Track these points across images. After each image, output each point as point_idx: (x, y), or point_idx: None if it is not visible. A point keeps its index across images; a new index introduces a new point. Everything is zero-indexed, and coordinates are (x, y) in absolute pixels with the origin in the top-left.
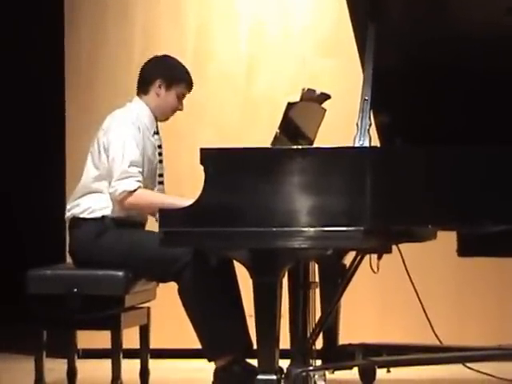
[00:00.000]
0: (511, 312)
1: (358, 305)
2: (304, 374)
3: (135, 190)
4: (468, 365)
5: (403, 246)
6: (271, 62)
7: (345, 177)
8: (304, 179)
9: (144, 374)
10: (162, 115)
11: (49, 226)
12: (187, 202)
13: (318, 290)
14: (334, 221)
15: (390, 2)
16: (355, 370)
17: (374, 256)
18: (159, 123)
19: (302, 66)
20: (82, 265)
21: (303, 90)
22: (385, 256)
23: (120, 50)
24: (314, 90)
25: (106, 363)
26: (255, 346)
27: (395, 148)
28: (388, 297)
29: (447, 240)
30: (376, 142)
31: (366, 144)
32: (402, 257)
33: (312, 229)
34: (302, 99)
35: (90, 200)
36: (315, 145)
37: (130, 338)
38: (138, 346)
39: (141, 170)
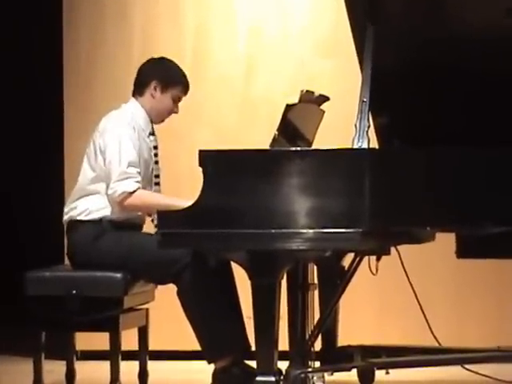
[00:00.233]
0: (510, 313)
1: (356, 306)
2: (303, 375)
3: (134, 191)
4: (467, 366)
5: (402, 248)
6: (269, 63)
7: (343, 178)
8: (303, 181)
9: (143, 375)
10: (156, 117)
11: (47, 226)
12: (187, 202)
13: (316, 292)
14: (333, 222)
15: (388, 3)
16: (354, 371)
17: (373, 258)
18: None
19: (300, 67)
20: (80, 267)
21: (302, 91)
22: (383, 258)
23: (118, 50)
24: (313, 92)
25: (105, 365)
26: (254, 348)
27: (394, 149)
28: (387, 298)
29: (446, 242)
30: (375, 144)
31: (365, 145)
32: (400, 258)
33: (311, 230)
34: (300, 101)
35: (87, 202)
36: (314, 146)
37: (129, 340)
38: (136, 348)
39: (139, 170)
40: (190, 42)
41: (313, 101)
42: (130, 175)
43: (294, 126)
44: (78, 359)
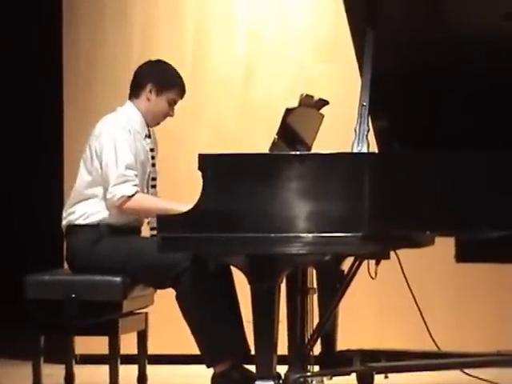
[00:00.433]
0: (509, 317)
1: (356, 310)
2: (302, 379)
3: (133, 195)
4: (466, 371)
5: (401, 252)
6: (269, 67)
7: (343, 182)
8: (302, 185)
9: (142, 379)
10: (152, 120)
11: (47, 227)
12: (186, 206)
13: (316, 296)
14: (332, 226)
15: (387, 7)
16: (353, 375)
17: (372, 262)
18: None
19: (299, 71)
20: (79, 272)
21: (301, 95)
22: (383, 262)
23: (118, 50)
24: (312, 96)
25: (104, 369)
26: (253, 352)
27: (393, 153)
28: (386, 302)
29: (445, 246)
30: (374, 148)
31: (364, 149)
32: (399, 262)
33: (310, 234)
34: (300, 105)
35: (85, 206)
36: (313, 150)
37: (128, 344)
38: (135, 352)
39: (136, 173)
40: (190, 45)
41: (312, 105)
42: (127, 178)
43: (293, 129)
44: (77, 363)
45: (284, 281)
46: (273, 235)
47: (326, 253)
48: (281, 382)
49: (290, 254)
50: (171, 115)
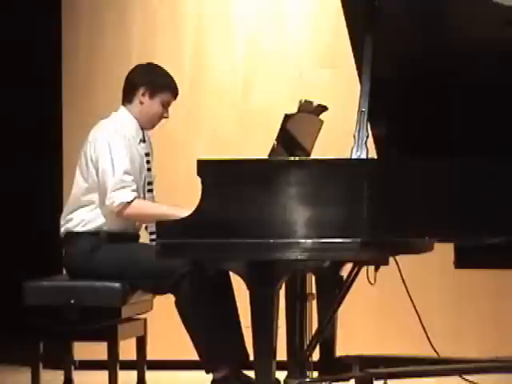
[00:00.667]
0: (508, 324)
1: (355, 316)
2: None
3: (132, 201)
4: (465, 377)
5: (400, 258)
6: (268, 73)
7: (342, 188)
8: (301, 191)
9: None
10: (146, 123)
11: (47, 233)
12: (185, 211)
13: (314, 302)
14: (332, 232)
15: (387, 15)
16: (352, 381)
17: (371, 268)
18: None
19: (298, 78)
20: (78, 279)
21: (300, 101)
22: (382, 268)
23: (117, 57)
24: (311, 102)
25: (103, 374)
26: (252, 358)
27: (392, 160)
28: (385, 308)
29: (444, 252)
30: (373, 154)
31: (364, 156)
32: (399, 268)
33: (309, 240)
34: (299, 111)
35: (82, 213)
36: (312, 156)
37: (127, 350)
38: (134, 358)
39: (133, 178)
40: (189, 52)
41: (311, 111)
42: (125, 184)
43: (292, 135)
44: (76, 369)
45: (283, 286)
46: (272, 241)
47: (325, 259)
48: None
49: (289, 260)
50: (166, 117)
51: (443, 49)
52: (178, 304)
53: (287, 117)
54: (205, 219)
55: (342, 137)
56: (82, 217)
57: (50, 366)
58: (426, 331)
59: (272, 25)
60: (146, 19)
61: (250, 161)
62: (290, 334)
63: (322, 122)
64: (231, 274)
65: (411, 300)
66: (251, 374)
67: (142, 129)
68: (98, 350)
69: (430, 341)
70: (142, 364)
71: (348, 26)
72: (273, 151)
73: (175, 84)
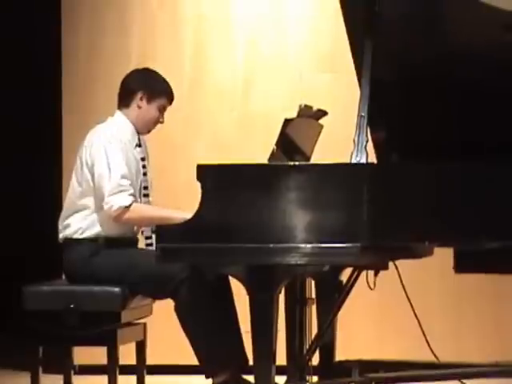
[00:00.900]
0: (508, 328)
1: (354, 321)
2: None
3: (130, 205)
4: (465, 381)
5: (400, 263)
6: (268, 78)
7: (342, 193)
8: (301, 195)
9: None
10: (143, 128)
11: (46, 237)
12: (184, 214)
13: (314, 306)
14: (331, 237)
15: (386, 19)
16: None
17: (371, 272)
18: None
19: (298, 82)
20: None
21: (300, 106)
22: (381, 272)
23: (117, 60)
24: (311, 107)
25: (103, 379)
26: (252, 362)
27: (392, 164)
28: (384, 313)
29: (444, 256)
30: (373, 158)
31: (363, 160)
32: (398, 273)
33: (309, 245)
34: (298, 115)
35: (79, 219)
36: (312, 161)
37: (127, 354)
38: (134, 362)
39: (130, 182)
40: (188, 55)
41: (311, 115)
42: (123, 188)
43: (292, 140)
44: (75, 373)
45: (283, 291)
46: (271, 245)
47: (325, 263)
48: None
49: (289, 265)
50: (162, 122)
51: (442, 53)
52: (177, 309)
53: (287, 121)
54: (204, 224)
55: (342, 141)
56: (79, 224)
57: (50, 370)
58: (425, 335)
59: (272, 28)
60: (145, 20)
61: (250, 165)
62: (290, 338)
63: (321, 126)
64: (230, 278)
65: (411, 304)
66: (251, 378)
67: (138, 133)
68: (97, 355)
69: (429, 345)
70: (141, 369)
71: (348, 30)
72: (272, 156)
73: (171, 89)
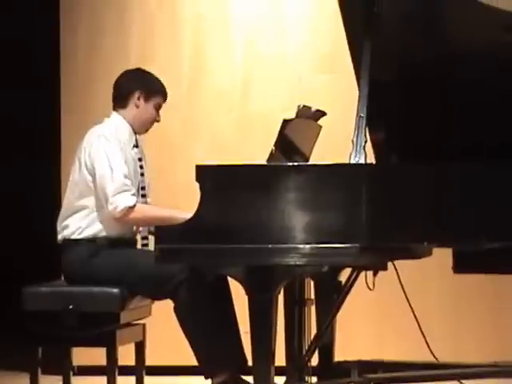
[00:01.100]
0: (507, 328)
1: (353, 321)
2: None
3: (135, 205)
4: (464, 382)
5: (399, 263)
6: (266, 78)
7: (340, 193)
8: (300, 196)
9: None
10: (141, 127)
11: (45, 238)
12: (187, 214)
13: (313, 307)
14: (330, 238)
15: (385, 20)
16: None
17: (370, 273)
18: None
19: (297, 82)
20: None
21: (299, 106)
22: (380, 273)
23: (116, 60)
24: (310, 107)
25: (102, 380)
26: (251, 363)
27: (391, 165)
28: (384, 313)
29: (443, 256)
30: (372, 159)
31: (362, 161)
32: (397, 273)
33: (308, 246)
34: (297, 116)
35: (78, 220)
36: (311, 161)
37: (126, 355)
38: (133, 363)
39: (131, 182)
40: (187, 56)
41: (310, 116)
42: (126, 188)
43: (291, 141)
44: (74, 374)
45: (282, 292)
46: (270, 246)
47: (324, 264)
48: None
49: (288, 265)
50: (158, 120)
51: (441, 53)
52: (176, 309)
53: (286, 122)
54: (203, 224)
55: (341, 142)
56: (78, 224)
57: (49, 371)
58: (424, 336)
59: (271, 28)
60: (144, 20)
61: (249, 166)
62: (289, 339)
63: (320, 127)
64: (230, 279)
65: (410, 305)
66: (250, 379)
67: (135, 134)
68: (96, 356)
69: (428, 346)
70: (140, 369)
71: (346, 31)
72: (271, 156)
73: (165, 88)
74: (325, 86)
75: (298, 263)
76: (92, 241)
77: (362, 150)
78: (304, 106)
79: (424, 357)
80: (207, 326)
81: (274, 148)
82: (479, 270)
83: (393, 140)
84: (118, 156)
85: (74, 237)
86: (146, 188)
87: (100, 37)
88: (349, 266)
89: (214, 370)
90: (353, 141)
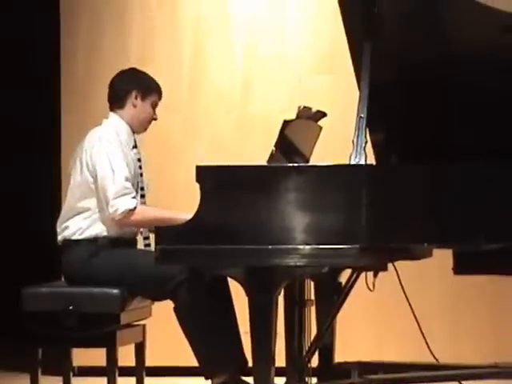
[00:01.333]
0: (507, 330)
1: (353, 322)
2: None
3: (135, 208)
4: (464, 383)
5: (399, 264)
6: (267, 79)
7: (340, 194)
8: (300, 196)
9: None
10: (139, 126)
11: (45, 239)
12: (187, 215)
13: (313, 308)
14: (330, 238)
15: (385, 21)
16: None
17: (370, 274)
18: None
19: (297, 83)
20: (77, 285)
21: (299, 107)
22: (380, 274)
23: (116, 62)
24: (310, 108)
25: (102, 381)
26: (251, 364)
27: (391, 165)
28: (384, 314)
29: (443, 257)
30: (372, 160)
31: (362, 161)
32: (397, 274)
33: (308, 246)
34: (297, 117)
35: (79, 220)
36: (311, 162)
37: (126, 356)
38: (133, 364)
39: (132, 184)
40: (187, 57)
41: (310, 117)
42: (126, 191)
43: (291, 141)
44: (74, 375)
45: (282, 292)
46: (271, 247)
47: (324, 265)
48: None
49: (288, 266)
50: (155, 118)
51: (441, 54)
52: (176, 310)
53: (286, 123)
54: (203, 225)
55: (341, 143)
56: (78, 225)
57: (49, 372)
58: (424, 337)
59: (270, 29)
60: (144, 21)
61: (249, 167)
62: (289, 339)
63: (320, 128)
64: (230, 279)
65: (410, 306)
66: (250, 379)
67: (134, 134)
68: (96, 356)
69: (428, 347)
70: (140, 370)
71: (346, 31)
72: (271, 157)
73: (160, 86)
74: (325, 86)
75: (298, 264)
76: (93, 241)
77: (363, 151)
78: (304, 107)
79: (424, 358)
80: (207, 326)
81: (274, 149)
82: (479, 270)
83: (393, 141)
84: (120, 158)
85: (74, 237)
86: (145, 188)
87: (100, 37)
88: (349, 267)
89: (214, 370)
90: (353, 141)
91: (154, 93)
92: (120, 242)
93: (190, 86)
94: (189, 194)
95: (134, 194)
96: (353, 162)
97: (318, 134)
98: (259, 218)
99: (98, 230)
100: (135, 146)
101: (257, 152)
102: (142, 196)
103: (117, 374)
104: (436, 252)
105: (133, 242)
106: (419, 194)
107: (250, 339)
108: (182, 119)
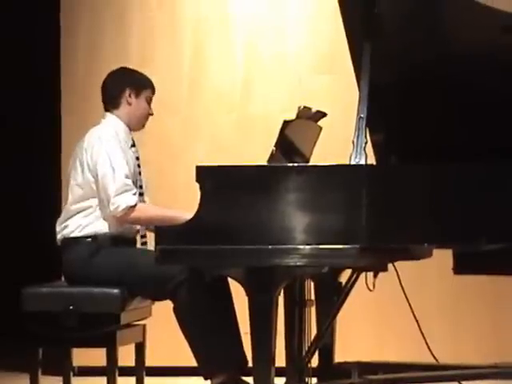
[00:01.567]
0: (507, 330)
1: (353, 322)
2: None
3: (136, 204)
4: (464, 383)
5: (399, 264)
6: (267, 79)
7: (340, 194)
8: (300, 197)
9: None
10: (136, 124)
11: (44, 239)
12: (188, 214)
13: (313, 308)
14: (330, 238)
15: (385, 21)
16: None
17: (370, 274)
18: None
19: (297, 83)
20: (77, 285)
21: (299, 107)
22: (380, 274)
23: (116, 62)
24: (310, 108)
25: (102, 381)
26: (251, 364)
27: (391, 166)
28: (384, 314)
29: (443, 257)
30: (372, 160)
31: (362, 162)
32: (397, 275)
33: (308, 246)
34: (298, 117)
35: (78, 218)
36: (311, 162)
37: (126, 356)
38: (133, 364)
39: (132, 181)
40: (188, 57)
41: (310, 117)
42: (127, 188)
43: (291, 141)
44: (74, 375)
45: (282, 293)
46: (271, 247)
47: (324, 265)
48: None
49: (288, 266)
50: (151, 114)
51: (441, 54)
52: (176, 310)
53: (286, 123)
54: (203, 225)
55: (341, 143)
56: (78, 222)
57: (49, 372)
58: (424, 337)
59: (271, 29)
60: (144, 21)
61: (249, 167)
62: (289, 340)
63: (320, 128)
64: (230, 280)
65: (410, 306)
66: (250, 380)
67: (131, 132)
68: (96, 356)
69: (428, 347)
70: (140, 370)
71: (347, 32)
72: (272, 157)
73: (152, 81)
74: (325, 86)
75: (298, 264)
76: (93, 238)
77: (363, 151)
78: (304, 107)
79: (424, 358)
80: (207, 326)
81: (274, 149)
82: (479, 271)
83: (393, 141)
84: (120, 156)
85: (73, 235)
86: (144, 187)
87: (100, 37)
88: (349, 267)
89: (214, 370)
90: (353, 142)
91: (147, 88)
92: (120, 240)
93: (190, 86)
94: (189, 194)
95: (134, 191)
96: (353, 162)
97: (318, 134)
98: (259, 218)
99: (98, 227)
100: (133, 145)
101: (257, 152)
102: (141, 194)
103: (117, 374)
104: (436, 252)
105: (132, 241)
106: (419, 194)
107: (250, 339)
108: (182, 119)
